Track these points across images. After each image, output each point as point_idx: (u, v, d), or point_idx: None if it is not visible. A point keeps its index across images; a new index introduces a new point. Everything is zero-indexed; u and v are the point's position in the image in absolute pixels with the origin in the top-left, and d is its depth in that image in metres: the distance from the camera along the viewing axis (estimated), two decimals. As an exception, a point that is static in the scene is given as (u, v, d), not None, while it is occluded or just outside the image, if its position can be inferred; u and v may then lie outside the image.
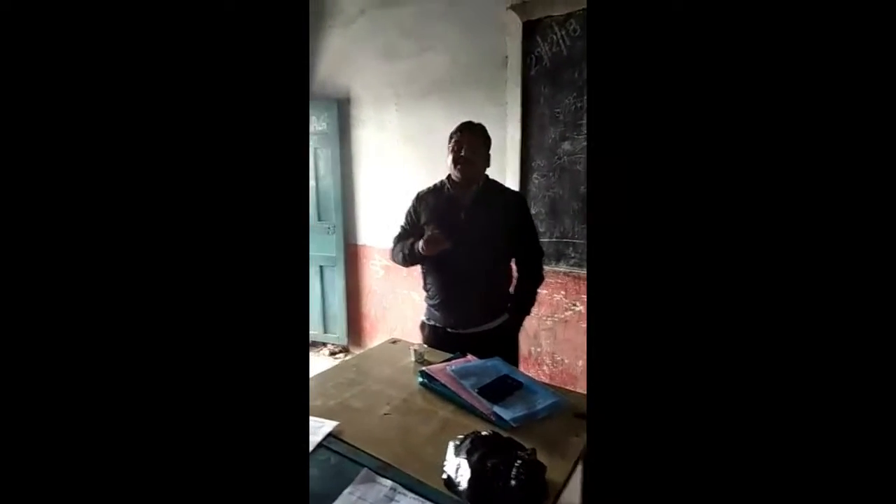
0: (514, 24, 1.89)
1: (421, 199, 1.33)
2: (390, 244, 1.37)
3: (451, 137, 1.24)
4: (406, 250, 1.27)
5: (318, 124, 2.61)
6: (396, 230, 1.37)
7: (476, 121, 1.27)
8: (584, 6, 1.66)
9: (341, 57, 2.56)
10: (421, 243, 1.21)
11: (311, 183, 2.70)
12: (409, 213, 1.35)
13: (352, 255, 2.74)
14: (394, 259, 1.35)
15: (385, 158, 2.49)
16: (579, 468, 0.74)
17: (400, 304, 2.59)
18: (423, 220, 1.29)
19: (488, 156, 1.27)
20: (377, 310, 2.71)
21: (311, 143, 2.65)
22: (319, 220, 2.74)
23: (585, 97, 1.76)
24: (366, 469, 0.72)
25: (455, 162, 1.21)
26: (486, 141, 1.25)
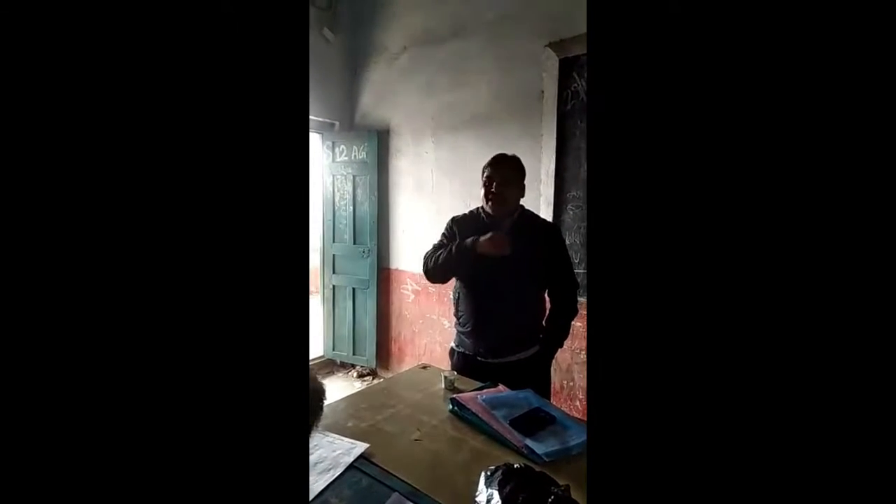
0: (551, 61, 1.95)
1: (457, 221, 1.34)
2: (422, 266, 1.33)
3: (483, 171, 1.27)
4: (452, 249, 1.22)
5: (359, 153, 2.74)
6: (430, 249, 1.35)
7: (511, 152, 1.30)
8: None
9: (383, 91, 2.71)
10: (482, 238, 1.17)
11: (349, 208, 2.82)
12: (446, 231, 1.35)
13: (384, 279, 2.79)
14: (427, 266, 1.30)
15: (420, 187, 2.57)
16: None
17: (429, 330, 2.60)
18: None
19: (523, 185, 1.28)
20: (406, 334, 2.73)
21: (350, 170, 2.78)
22: (355, 243, 2.83)
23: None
24: (396, 493, 0.72)
25: (486, 197, 1.24)
26: (518, 172, 1.27)
